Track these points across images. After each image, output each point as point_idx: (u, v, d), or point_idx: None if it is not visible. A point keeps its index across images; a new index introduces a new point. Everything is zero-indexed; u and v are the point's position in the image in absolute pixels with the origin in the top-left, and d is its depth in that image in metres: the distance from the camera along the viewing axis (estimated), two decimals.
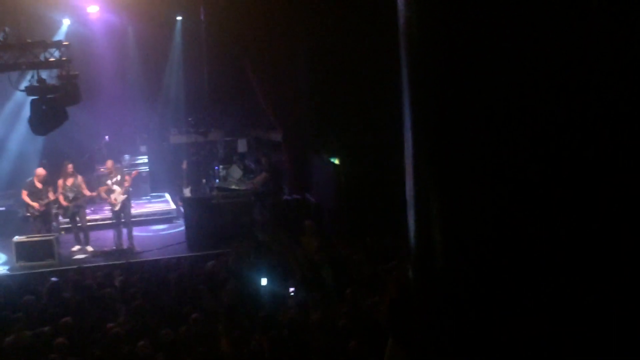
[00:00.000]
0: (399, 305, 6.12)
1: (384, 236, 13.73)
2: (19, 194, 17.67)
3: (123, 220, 17.17)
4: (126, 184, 17.02)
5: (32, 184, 16.96)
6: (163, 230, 19.00)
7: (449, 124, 3.75)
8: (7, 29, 13.30)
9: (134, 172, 17.85)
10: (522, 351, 3.24)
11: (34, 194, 16.86)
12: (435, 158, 3.65)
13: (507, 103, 3.57)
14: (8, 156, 21.20)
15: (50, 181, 17.11)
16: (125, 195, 17.08)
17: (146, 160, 21.84)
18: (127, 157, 21.59)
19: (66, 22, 20.49)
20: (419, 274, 3.90)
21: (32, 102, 12.75)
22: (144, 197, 21.01)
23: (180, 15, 22.55)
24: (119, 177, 17.09)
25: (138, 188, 20.25)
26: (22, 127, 20.01)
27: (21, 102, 19.03)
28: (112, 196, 16.96)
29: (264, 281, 11.48)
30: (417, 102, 3.93)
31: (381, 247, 13.40)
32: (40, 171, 17.12)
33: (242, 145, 21.68)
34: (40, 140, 20.59)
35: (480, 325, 3.47)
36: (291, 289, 11.47)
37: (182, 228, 17.85)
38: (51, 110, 12.68)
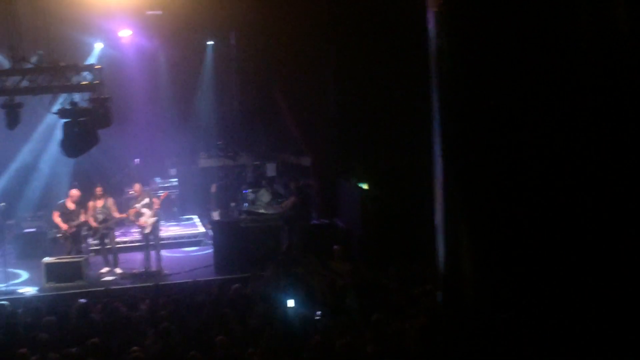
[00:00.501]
0: (430, 331, 6.08)
1: (412, 261, 13.69)
2: (49, 215, 17.82)
3: (152, 242, 17.23)
4: (155, 207, 17.09)
5: (64, 205, 17.11)
6: (191, 253, 19.05)
7: (480, 151, 3.75)
8: (40, 53, 13.47)
9: (163, 194, 17.91)
10: None
11: (65, 215, 17.00)
12: (465, 185, 3.66)
13: (540, 132, 3.57)
14: (39, 178, 21.44)
15: (81, 203, 17.24)
16: (155, 218, 17.14)
17: (176, 183, 21.93)
18: (157, 179, 21.70)
19: (98, 46, 20.73)
20: (448, 299, 3.89)
21: (64, 125, 12.88)
22: (173, 220, 21.10)
23: (211, 40, 22.71)
24: (147, 200, 17.16)
25: (167, 211, 20.35)
26: (53, 149, 20.28)
27: (53, 124, 19.27)
28: (142, 219, 17.03)
29: (290, 303, 11.46)
30: (447, 128, 3.94)
31: (409, 273, 13.34)
32: (75, 192, 17.26)
33: (271, 170, 21.74)
34: (70, 162, 20.78)
35: (510, 350, 3.46)
36: (318, 313, 11.44)
37: (211, 251, 17.88)
38: (83, 133, 12.80)
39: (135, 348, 10.03)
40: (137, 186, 17.56)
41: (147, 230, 17.07)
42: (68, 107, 12.85)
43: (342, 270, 14.73)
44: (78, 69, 13.15)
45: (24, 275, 17.28)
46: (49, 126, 20.23)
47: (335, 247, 15.74)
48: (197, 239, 19.92)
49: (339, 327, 10.65)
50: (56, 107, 13.30)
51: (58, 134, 13.87)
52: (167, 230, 19.95)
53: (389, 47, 16.76)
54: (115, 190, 20.09)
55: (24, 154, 21.48)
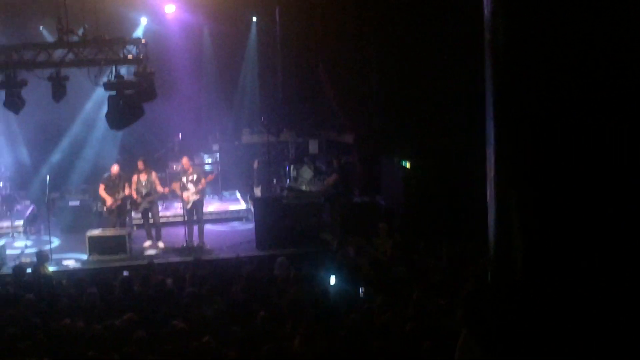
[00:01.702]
0: (475, 298, 6.00)
1: (455, 240, 13.60)
2: (94, 190, 17.99)
3: (195, 217, 17.33)
4: (201, 186, 17.14)
5: (110, 178, 17.28)
6: (233, 228, 19.13)
7: (534, 132, 3.66)
8: (86, 26, 13.52)
9: (210, 176, 17.88)
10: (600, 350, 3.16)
11: (110, 188, 17.18)
12: (518, 164, 3.57)
13: (593, 110, 3.48)
14: (86, 152, 21.69)
15: (125, 177, 17.39)
16: (198, 196, 17.20)
17: (218, 159, 22.01)
18: (200, 154, 21.79)
19: (143, 21, 20.83)
20: (498, 277, 3.82)
21: (110, 98, 12.96)
22: (215, 196, 21.19)
23: (255, 16, 22.69)
24: (194, 177, 17.19)
25: (209, 186, 20.43)
26: (100, 125, 20.49)
27: (100, 101, 19.40)
28: (185, 194, 17.09)
29: (332, 280, 11.45)
30: (501, 109, 3.85)
31: (452, 251, 13.26)
32: (114, 168, 17.42)
33: (313, 147, 21.72)
34: (116, 137, 21.05)
35: (556, 335, 3.38)
36: (361, 290, 11.41)
37: (252, 227, 17.92)
38: (128, 106, 12.87)
39: (176, 321, 10.08)
40: (185, 160, 17.57)
41: (189, 206, 17.13)
42: (113, 80, 12.92)
43: (385, 247, 14.69)
44: (124, 42, 13.21)
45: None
46: (97, 103, 20.42)
47: (380, 224, 15.68)
48: (238, 214, 19.98)
49: (380, 304, 10.60)
50: (102, 81, 13.38)
51: (104, 110, 13.95)
52: (209, 205, 20.04)
53: (438, 22, 16.53)
54: (159, 164, 20.21)
55: (76, 127, 21.75)
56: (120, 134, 20.50)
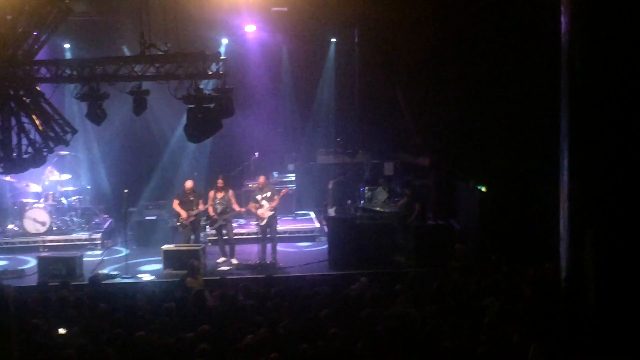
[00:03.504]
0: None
1: (528, 265, 13.34)
2: (170, 205, 18.19)
3: (268, 235, 17.38)
4: (274, 203, 17.21)
5: (184, 193, 17.47)
6: (306, 247, 19.10)
7: (611, 157, 3.53)
8: (168, 45, 13.72)
9: (283, 191, 17.99)
10: None
11: (185, 204, 17.36)
12: (593, 191, 3.44)
13: None
14: (163, 168, 22.01)
15: (200, 193, 17.57)
16: (272, 212, 17.28)
17: (293, 179, 22.06)
18: (275, 174, 21.88)
19: (224, 42, 21.08)
20: (570, 307, 3.67)
21: (189, 110, 13.10)
22: (289, 215, 21.21)
23: (334, 37, 22.76)
24: (269, 194, 17.31)
25: (284, 205, 20.45)
26: (178, 141, 20.85)
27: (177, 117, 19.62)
28: (260, 211, 17.19)
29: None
30: (576, 132, 3.72)
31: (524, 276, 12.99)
32: (189, 184, 17.62)
33: (388, 168, 21.61)
34: (191, 153, 21.33)
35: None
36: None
37: (325, 247, 17.87)
38: (206, 119, 12.99)
39: (249, 337, 10.06)
40: (261, 178, 17.76)
41: (263, 223, 17.21)
42: (193, 93, 13.06)
43: (460, 268, 14.41)
44: (204, 57, 13.34)
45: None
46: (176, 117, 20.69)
47: (457, 245, 15.45)
48: (312, 234, 19.97)
49: (449, 327, 10.41)
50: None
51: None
52: (283, 224, 20.08)
53: (516, 46, 16.41)
54: (236, 182, 20.37)
55: (154, 143, 22.13)
56: (196, 151, 20.76)
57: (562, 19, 8.32)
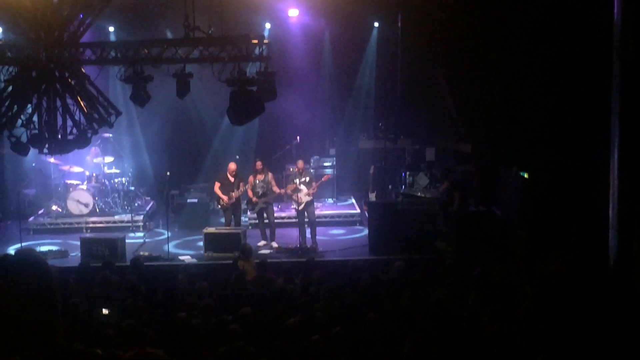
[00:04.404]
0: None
1: (571, 251, 13.18)
2: (212, 188, 18.28)
3: (307, 219, 17.41)
4: (313, 190, 17.25)
5: (225, 177, 17.56)
6: (346, 232, 19.09)
7: None
8: (212, 28, 13.75)
9: (324, 177, 18.00)
10: None
11: (225, 187, 17.45)
12: None
13: None
14: (206, 152, 22.15)
15: (241, 176, 17.63)
16: (310, 198, 17.30)
17: (334, 163, 22.05)
18: (316, 157, 21.87)
19: (267, 26, 21.08)
20: (617, 293, 3.60)
21: (231, 93, 13.14)
22: (329, 199, 21.21)
23: (377, 21, 22.63)
24: (307, 179, 17.36)
25: (325, 190, 20.48)
26: (221, 125, 20.98)
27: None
28: (298, 195, 17.23)
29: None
30: (627, 122, 3.64)
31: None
32: (232, 166, 17.71)
33: (430, 154, 21.50)
34: (235, 138, 21.40)
35: None
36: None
37: (365, 232, 17.86)
38: (248, 102, 13.01)
39: (291, 320, 10.08)
40: (300, 162, 17.83)
41: (301, 207, 17.25)
42: (236, 76, 13.08)
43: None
44: (248, 39, 13.36)
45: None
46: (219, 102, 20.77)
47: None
48: (353, 219, 19.95)
49: (490, 314, 10.33)
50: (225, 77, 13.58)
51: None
52: (323, 209, 20.10)
53: (564, 30, 16.12)
54: (276, 166, 20.42)
55: (198, 126, 22.26)
56: (239, 134, 20.85)
57: (615, 2, 8.17)
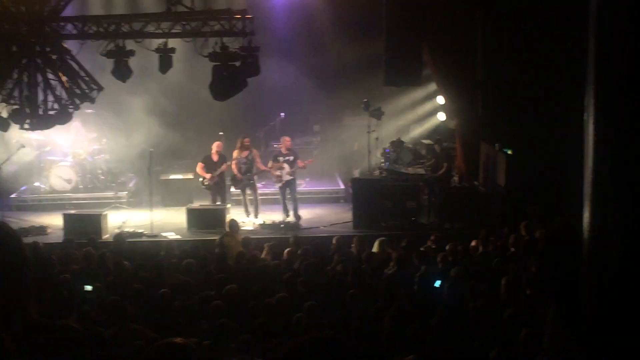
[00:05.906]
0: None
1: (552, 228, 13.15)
2: (196, 165, 18.15)
3: (289, 196, 17.38)
4: (294, 169, 17.22)
5: (209, 158, 17.48)
6: (330, 208, 19.07)
7: (635, 125, 3.40)
8: (194, 2, 13.64)
9: (308, 160, 17.89)
10: None
11: (209, 166, 17.38)
12: (616, 158, 3.32)
13: None
14: (189, 128, 21.89)
15: (224, 155, 17.56)
16: (292, 177, 17.25)
17: (318, 140, 21.96)
18: (303, 135, 21.75)
19: None
20: (591, 271, 3.58)
21: (214, 68, 13.06)
22: (314, 176, 21.14)
23: None
24: (291, 158, 17.29)
25: (309, 167, 20.39)
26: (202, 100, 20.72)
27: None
28: (279, 172, 17.19)
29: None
30: (602, 97, 3.60)
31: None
32: (215, 145, 17.62)
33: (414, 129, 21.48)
34: (218, 113, 21.18)
35: None
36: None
37: (349, 207, 17.84)
38: (231, 77, 12.95)
39: (272, 298, 10.05)
40: (286, 139, 17.71)
41: (281, 184, 17.21)
42: (218, 50, 13.00)
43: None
44: (230, 14, 13.25)
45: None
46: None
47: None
48: (337, 195, 19.93)
49: (471, 289, 10.36)
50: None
51: None
52: (307, 185, 20.07)
53: (544, 9, 16.14)
54: (261, 142, 20.32)
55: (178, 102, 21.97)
56: (222, 109, 20.68)
57: None
